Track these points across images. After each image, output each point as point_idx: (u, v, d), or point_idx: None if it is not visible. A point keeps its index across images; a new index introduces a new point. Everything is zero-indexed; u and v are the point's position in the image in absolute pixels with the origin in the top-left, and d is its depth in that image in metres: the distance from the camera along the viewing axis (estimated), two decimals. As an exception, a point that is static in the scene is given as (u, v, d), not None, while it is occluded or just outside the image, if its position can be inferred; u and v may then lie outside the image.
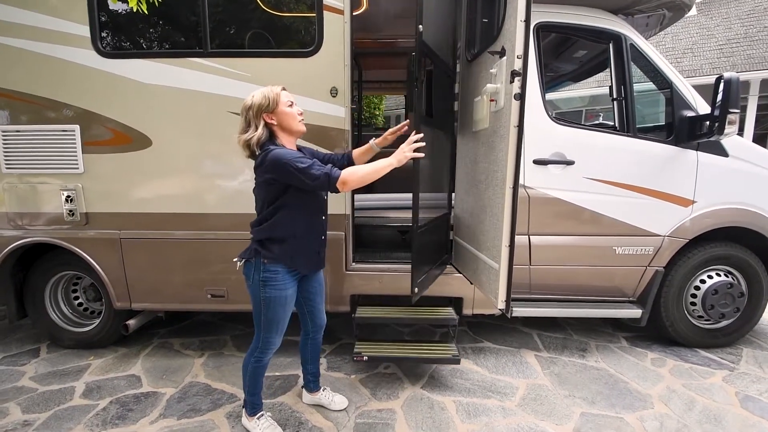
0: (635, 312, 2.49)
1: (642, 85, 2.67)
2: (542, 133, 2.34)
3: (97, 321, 2.67)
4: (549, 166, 2.35)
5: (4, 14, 2.18)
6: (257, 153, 1.55)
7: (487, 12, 1.96)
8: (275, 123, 1.57)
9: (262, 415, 1.83)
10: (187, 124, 2.26)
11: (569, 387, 2.19)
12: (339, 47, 2.16)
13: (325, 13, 2.13)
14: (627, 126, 2.41)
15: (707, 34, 10.40)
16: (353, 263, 2.43)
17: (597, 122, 3.28)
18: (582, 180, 2.37)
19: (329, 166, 1.57)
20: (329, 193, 1.70)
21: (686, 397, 2.09)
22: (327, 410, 2.00)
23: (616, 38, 2.42)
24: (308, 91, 2.19)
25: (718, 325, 2.57)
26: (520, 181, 2.35)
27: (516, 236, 2.39)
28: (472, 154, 2.12)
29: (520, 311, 2.41)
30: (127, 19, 2.27)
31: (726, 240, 2.50)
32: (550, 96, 2.45)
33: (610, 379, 2.27)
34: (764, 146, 2.71)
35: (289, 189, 1.56)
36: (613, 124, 2.60)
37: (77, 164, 2.29)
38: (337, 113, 2.22)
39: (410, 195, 3.51)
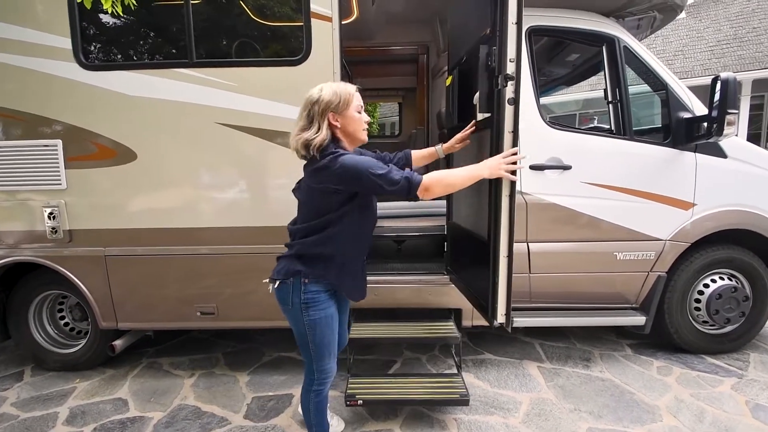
0: (639, 319, 2.42)
1: (637, 87, 2.64)
2: (538, 138, 2.29)
3: (83, 341, 2.57)
4: (546, 171, 2.30)
5: None
6: (316, 156, 1.33)
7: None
8: (339, 126, 1.37)
9: None
10: (172, 136, 2.20)
11: (574, 400, 2.11)
12: (328, 55, 2.11)
13: (313, 20, 2.09)
14: (623, 129, 2.37)
15: (697, 36, 10.52)
16: (347, 276, 2.36)
17: (592, 126, 3.24)
18: (579, 185, 2.32)
19: (406, 169, 1.42)
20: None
21: (695, 408, 2.01)
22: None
23: (610, 41, 2.38)
24: (296, 100, 2.10)
25: (724, 330, 2.50)
26: (517, 188, 2.31)
27: (515, 243, 2.35)
28: (469, 159, 2.07)
29: (520, 321, 2.34)
30: (109, 30, 2.22)
31: (728, 242, 2.44)
32: (543, 100, 2.40)
33: (615, 390, 2.19)
34: (758, 146, 2.68)
35: (356, 197, 1.37)
36: (609, 127, 2.56)
37: (60, 180, 2.22)
38: (328, 122, 2.16)
39: (406, 204, 3.46)
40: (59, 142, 2.19)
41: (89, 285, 2.33)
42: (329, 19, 2.09)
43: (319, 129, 1.32)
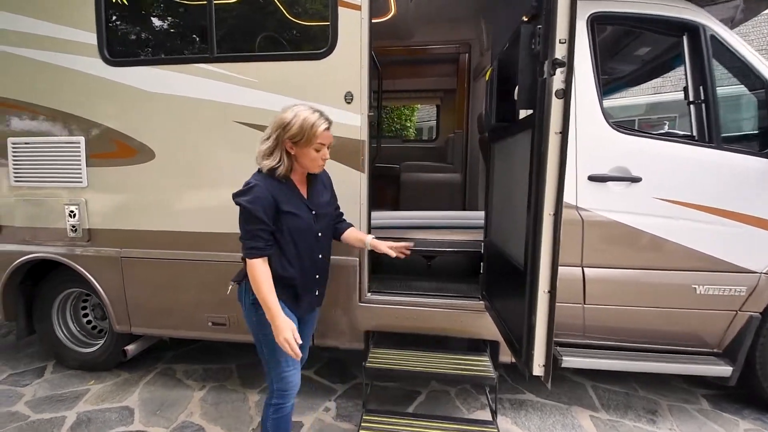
0: (723, 369, 1.95)
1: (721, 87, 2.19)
2: (600, 144, 1.92)
3: (101, 342, 2.53)
4: (609, 183, 1.92)
5: (15, 24, 2.14)
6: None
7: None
8: (293, 154, 1.40)
9: None
10: (190, 135, 2.08)
11: (637, 466, 1.71)
12: (355, 47, 1.89)
13: (340, 9, 1.88)
14: (709, 135, 1.94)
15: (783, 33, 9.26)
16: (368, 293, 2.11)
17: (665, 131, 2.77)
18: (651, 201, 1.92)
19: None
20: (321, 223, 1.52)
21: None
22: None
23: (693, 29, 1.97)
24: (320, 97, 1.94)
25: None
26: (572, 202, 1.96)
27: (567, 267, 1.97)
28: (507, 166, 1.75)
29: (571, 361, 1.96)
30: (131, 25, 2.16)
31: None
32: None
33: (692, 458, 1.77)
34: None
35: (279, 217, 1.38)
36: (688, 133, 2.12)
37: (81, 177, 2.18)
38: (352, 121, 1.94)
39: (439, 214, 3.17)
40: (82, 139, 2.15)
41: (105, 286, 2.27)
42: (358, 8, 1.87)
43: (280, 160, 1.36)
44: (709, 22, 1.96)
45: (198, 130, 2.07)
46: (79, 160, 2.17)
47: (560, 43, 1.16)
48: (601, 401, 2.20)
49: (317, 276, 1.54)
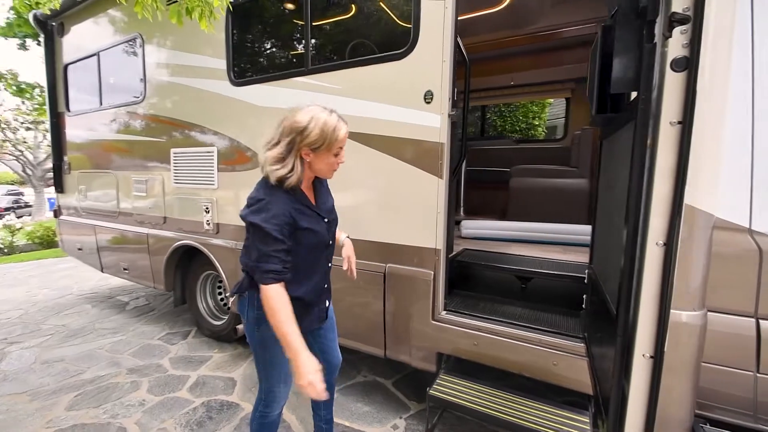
0: None
1: None
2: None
3: (226, 317, 3.01)
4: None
5: (175, 59, 2.72)
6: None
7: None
8: (308, 161, 1.26)
9: None
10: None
11: None
12: (437, 42, 1.74)
13: (423, 2, 1.75)
14: None
15: None
16: (443, 311, 1.91)
17: None
18: None
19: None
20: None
21: None
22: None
23: None
24: (397, 99, 1.85)
25: None
26: (743, 223, 1.36)
27: (733, 317, 1.42)
28: (609, 171, 1.32)
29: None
30: (248, 49, 2.49)
31: None
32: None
33: None
34: None
35: (295, 234, 1.26)
36: None
37: (213, 181, 2.63)
38: (431, 122, 1.79)
39: (543, 226, 2.68)
40: (215, 149, 2.59)
41: (226, 271, 2.68)
42: (441, -2, 1.71)
43: (293, 169, 1.22)
44: None
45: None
46: (213, 166, 2.62)
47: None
48: None
49: (326, 286, 1.46)
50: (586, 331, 1.63)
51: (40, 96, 9.64)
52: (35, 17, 3.70)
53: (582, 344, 1.60)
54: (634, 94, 1.01)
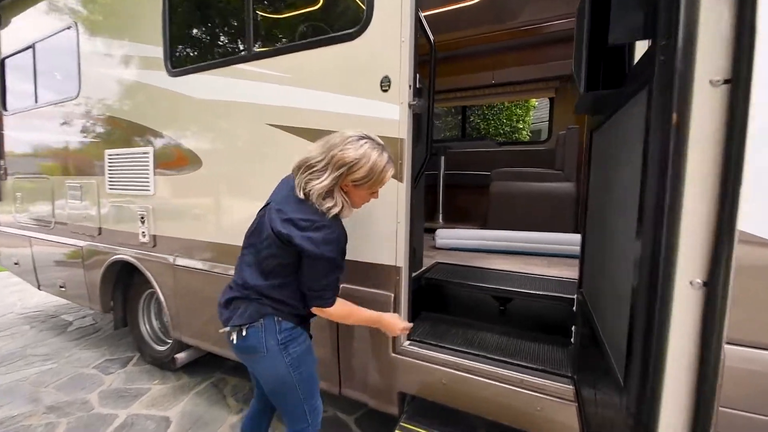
0: None
1: None
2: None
3: (170, 343, 2.64)
4: None
5: (110, 48, 2.38)
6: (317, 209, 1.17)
7: None
8: (346, 194, 1.21)
9: None
10: (229, 141, 1.94)
11: None
12: (394, 18, 1.45)
13: (377, -29, 1.47)
14: None
15: None
16: (405, 342, 1.60)
17: None
18: None
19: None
20: None
21: None
22: None
23: None
24: (350, 87, 1.55)
25: None
26: None
27: None
28: (604, 168, 1.03)
29: None
30: (186, 34, 2.17)
31: None
32: None
33: None
34: None
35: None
36: None
37: (150, 186, 2.28)
38: (389, 114, 1.49)
39: (529, 235, 2.39)
40: (151, 150, 2.25)
41: (164, 292, 2.32)
42: (398, -34, 1.42)
43: (341, 204, 1.18)
44: None
45: (235, 136, 1.92)
46: (148, 170, 2.27)
47: None
48: None
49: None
50: (576, 371, 1.33)
51: None
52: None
53: (571, 386, 1.30)
54: (640, 53, 0.71)
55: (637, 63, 0.65)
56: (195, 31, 2.16)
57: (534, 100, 7.05)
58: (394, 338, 1.58)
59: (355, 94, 1.54)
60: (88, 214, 2.68)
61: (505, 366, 1.43)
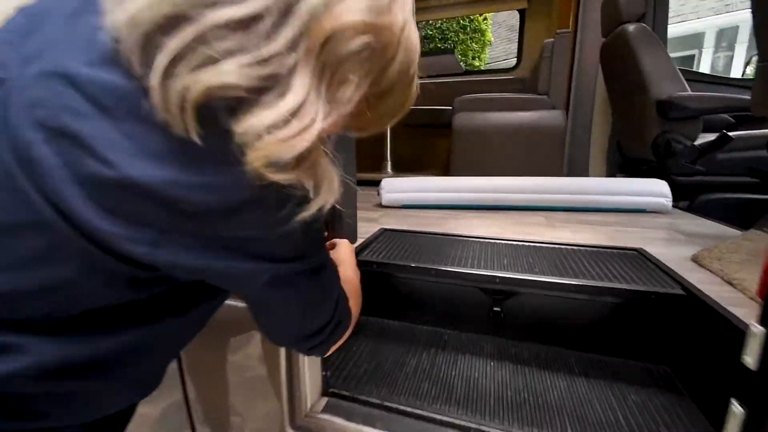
0: None
1: None
2: None
3: None
4: None
5: None
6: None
7: None
8: (353, 115, 0.39)
9: None
10: None
11: None
12: None
13: None
14: None
15: None
16: (322, 399, 0.77)
17: None
18: None
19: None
20: None
21: None
22: None
23: None
24: None
25: None
26: None
27: None
28: None
29: None
30: None
31: None
32: None
33: None
34: None
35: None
36: None
37: None
38: None
39: (512, 182, 1.66)
40: None
41: None
42: None
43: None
44: None
45: None
46: None
47: None
48: None
49: None
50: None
51: None
52: None
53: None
54: None
55: None
56: None
57: (490, 34, 6.18)
58: (293, 396, 0.75)
59: None
60: None
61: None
